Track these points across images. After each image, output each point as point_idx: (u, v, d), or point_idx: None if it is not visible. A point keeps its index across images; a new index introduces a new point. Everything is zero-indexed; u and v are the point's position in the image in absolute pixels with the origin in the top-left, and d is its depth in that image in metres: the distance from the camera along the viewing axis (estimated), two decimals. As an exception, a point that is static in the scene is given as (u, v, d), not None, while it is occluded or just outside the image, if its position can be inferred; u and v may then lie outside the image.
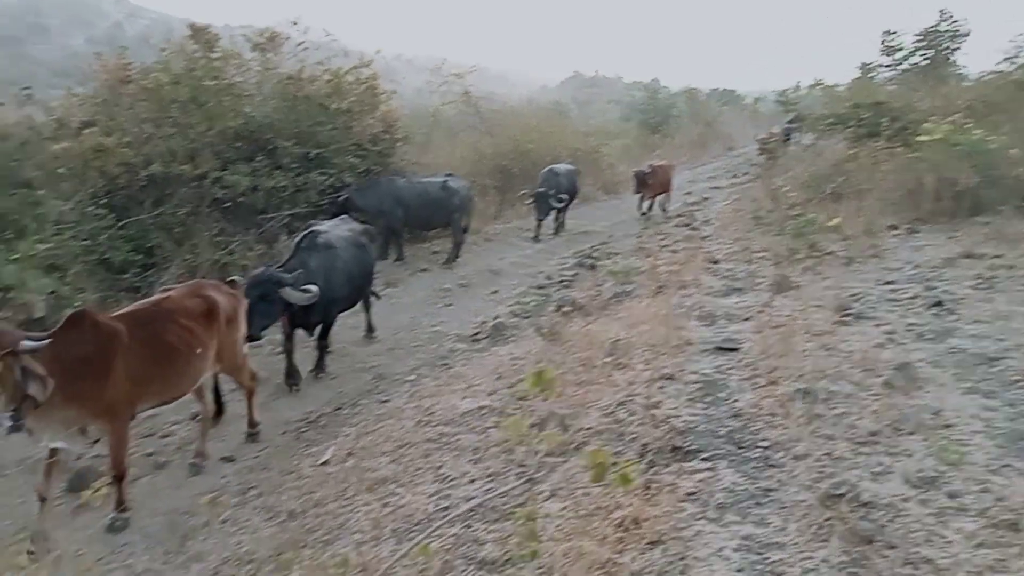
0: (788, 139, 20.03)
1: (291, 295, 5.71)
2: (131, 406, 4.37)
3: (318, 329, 6.72)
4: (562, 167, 13.31)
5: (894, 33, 17.00)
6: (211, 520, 4.30)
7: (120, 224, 8.54)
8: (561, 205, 12.67)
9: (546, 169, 13.02)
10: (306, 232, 6.67)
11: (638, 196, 14.40)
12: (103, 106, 9.15)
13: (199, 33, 10.05)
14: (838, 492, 3.14)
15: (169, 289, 5.19)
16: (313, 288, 5.81)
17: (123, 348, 4.14)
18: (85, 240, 7.86)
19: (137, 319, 4.48)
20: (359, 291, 7.19)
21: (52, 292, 6.99)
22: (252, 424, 5.58)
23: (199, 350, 4.67)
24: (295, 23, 11.08)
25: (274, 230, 9.84)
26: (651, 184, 14.11)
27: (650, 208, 14.58)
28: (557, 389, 1.72)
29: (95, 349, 4.04)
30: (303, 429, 5.73)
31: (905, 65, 17.22)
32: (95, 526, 4.41)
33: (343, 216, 7.72)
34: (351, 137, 10.90)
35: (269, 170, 9.75)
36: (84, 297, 7.44)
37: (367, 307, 7.74)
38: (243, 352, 5.39)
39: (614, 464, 1.61)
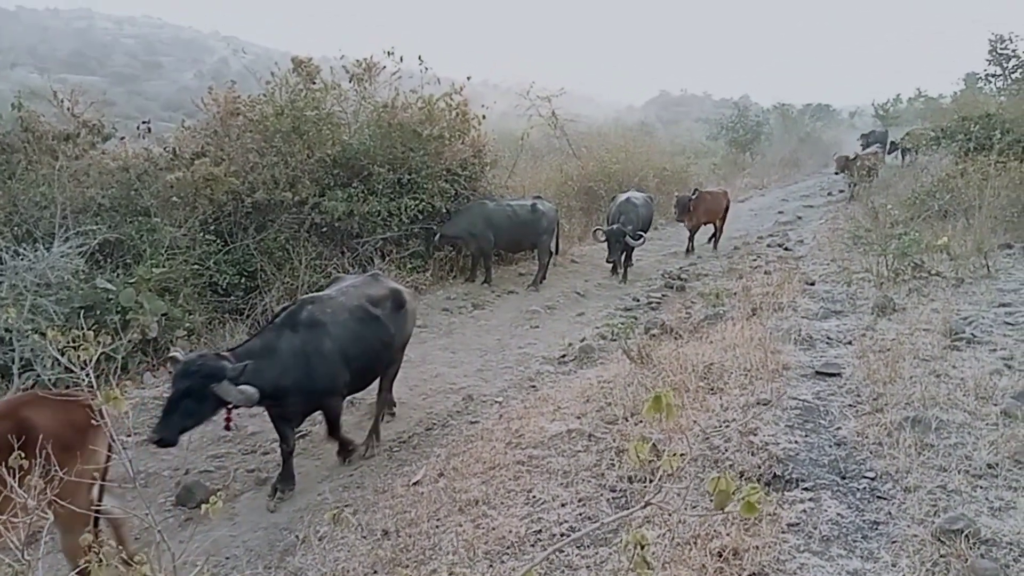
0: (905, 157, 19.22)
1: (226, 392, 4.43)
2: None
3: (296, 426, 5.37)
4: (639, 196, 11.81)
5: (1005, 40, 16.07)
6: (309, 536, 4.44)
7: (226, 249, 9.03)
8: (639, 243, 10.95)
9: (622, 199, 11.50)
10: (290, 304, 5.46)
11: (686, 227, 12.88)
12: (213, 137, 9.73)
13: (301, 66, 10.56)
14: (954, 527, 2.95)
15: None
16: (250, 390, 4.51)
17: None
18: (195, 264, 8.35)
19: None
20: (365, 375, 5.60)
21: (164, 314, 7.43)
22: None
23: None
24: (390, 53, 11.48)
25: (368, 253, 10.16)
26: (696, 212, 12.58)
27: (712, 239, 13.24)
28: (672, 415, 1.69)
29: None
30: (395, 449, 5.84)
31: (1017, 74, 16.25)
32: (201, 539, 4.64)
33: (375, 273, 6.24)
34: (442, 162, 11.16)
35: (364, 196, 10.12)
36: (193, 319, 7.89)
37: (385, 385, 6.17)
38: (89, 498, 3.58)
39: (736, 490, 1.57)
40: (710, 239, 13.49)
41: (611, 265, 11.39)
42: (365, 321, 5.44)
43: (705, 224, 13.21)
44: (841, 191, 18.09)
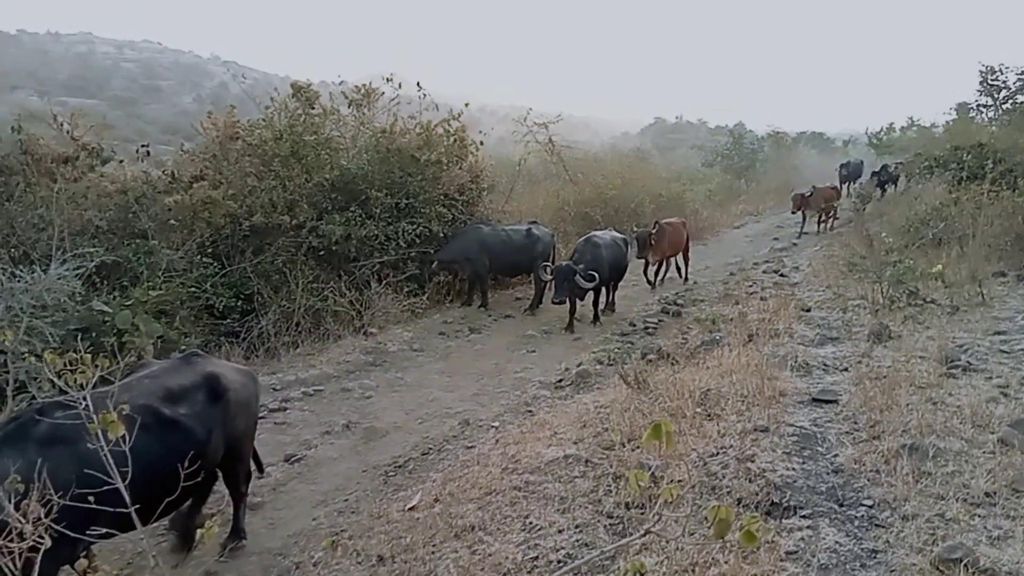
0: (884, 189, 19.35)
1: None
2: None
3: None
4: (606, 236, 10.69)
5: (995, 72, 16.29)
6: (304, 562, 4.40)
7: (223, 272, 9.04)
8: (591, 285, 9.51)
9: (583, 239, 10.49)
10: (24, 411, 3.66)
11: (643, 261, 12.14)
12: (212, 161, 9.79)
13: (300, 91, 10.66)
14: (953, 556, 2.94)
15: None
16: None
17: None
18: (192, 287, 8.35)
19: None
20: (158, 502, 3.33)
21: (161, 336, 7.41)
22: None
23: None
24: (389, 79, 11.60)
25: (364, 276, 10.18)
26: (657, 246, 12.03)
27: (657, 274, 12.66)
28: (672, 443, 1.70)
29: None
30: (391, 473, 5.80)
31: (1008, 105, 16.44)
32: (195, 564, 4.59)
33: (192, 353, 4.60)
34: (439, 187, 11.24)
35: (361, 219, 10.18)
36: (189, 341, 7.87)
37: (236, 505, 4.82)
38: None
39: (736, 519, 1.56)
40: (655, 273, 12.84)
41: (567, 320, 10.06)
42: (151, 430, 3.69)
43: (669, 257, 12.77)
44: (836, 218, 17.89)
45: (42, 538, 2.18)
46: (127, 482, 2.79)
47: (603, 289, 10.31)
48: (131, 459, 2.97)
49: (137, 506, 2.64)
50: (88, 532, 3.01)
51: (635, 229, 12.29)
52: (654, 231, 11.96)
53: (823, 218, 17.21)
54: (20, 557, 2.12)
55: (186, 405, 4.08)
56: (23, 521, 2.15)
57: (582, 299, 9.97)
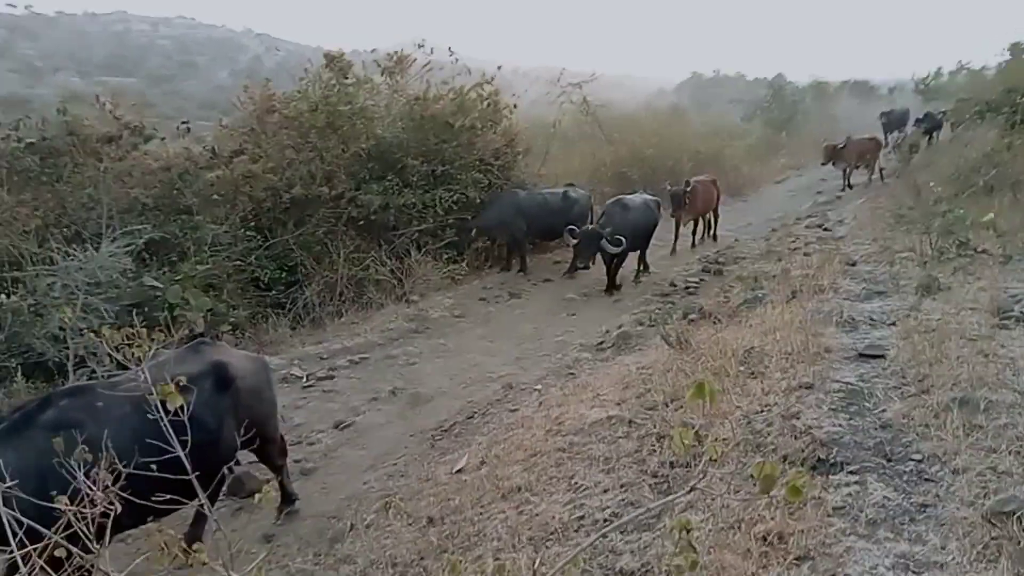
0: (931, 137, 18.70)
1: None
2: None
3: None
4: (636, 198, 10.58)
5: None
6: (356, 524, 4.54)
7: (266, 244, 9.22)
8: (618, 249, 9.41)
9: (612, 200, 10.49)
10: (33, 399, 3.78)
11: (674, 220, 11.88)
12: (251, 135, 9.91)
13: (333, 61, 10.67)
14: (1006, 509, 2.90)
15: None
16: None
17: None
18: (237, 260, 8.54)
19: None
20: (167, 492, 2.87)
21: (210, 309, 7.61)
22: None
23: None
24: (421, 45, 11.55)
25: (404, 245, 10.26)
26: (690, 205, 11.82)
27: (695, 234, 12.60)
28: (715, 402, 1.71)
29: None
30: (438, 437, 5.92)
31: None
32: (252, 527, 4.78)
33: (199, 342, 4.62)
34: (474, 153, 11.22)
35: (399, 188, 10.25)
36: (237, 313, 8.07)
37: (279, 476, 4.97)
38: None
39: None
40: (693, 232, 12.79)
41: (607, 286, 10.03)
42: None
43: (702, 214, 12.65)
44: (882, 168, 17.35)
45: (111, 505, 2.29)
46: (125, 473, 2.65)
47: (639, 251, 10.36)
48: (136, 447, 3.06)
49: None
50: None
51: (668, 188, 12.17)
52: (688, 189, 11.79)
53: (862, 170, 16.67)
54: (93, 523, 2.23)
55: (194, 392, 3.87)
56: (94, 489, 2.25)
57: (610, 263, 9.90)
